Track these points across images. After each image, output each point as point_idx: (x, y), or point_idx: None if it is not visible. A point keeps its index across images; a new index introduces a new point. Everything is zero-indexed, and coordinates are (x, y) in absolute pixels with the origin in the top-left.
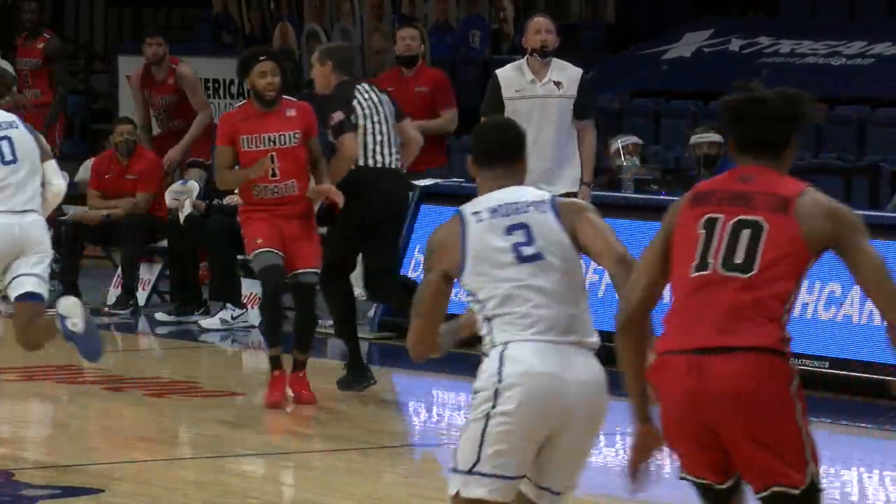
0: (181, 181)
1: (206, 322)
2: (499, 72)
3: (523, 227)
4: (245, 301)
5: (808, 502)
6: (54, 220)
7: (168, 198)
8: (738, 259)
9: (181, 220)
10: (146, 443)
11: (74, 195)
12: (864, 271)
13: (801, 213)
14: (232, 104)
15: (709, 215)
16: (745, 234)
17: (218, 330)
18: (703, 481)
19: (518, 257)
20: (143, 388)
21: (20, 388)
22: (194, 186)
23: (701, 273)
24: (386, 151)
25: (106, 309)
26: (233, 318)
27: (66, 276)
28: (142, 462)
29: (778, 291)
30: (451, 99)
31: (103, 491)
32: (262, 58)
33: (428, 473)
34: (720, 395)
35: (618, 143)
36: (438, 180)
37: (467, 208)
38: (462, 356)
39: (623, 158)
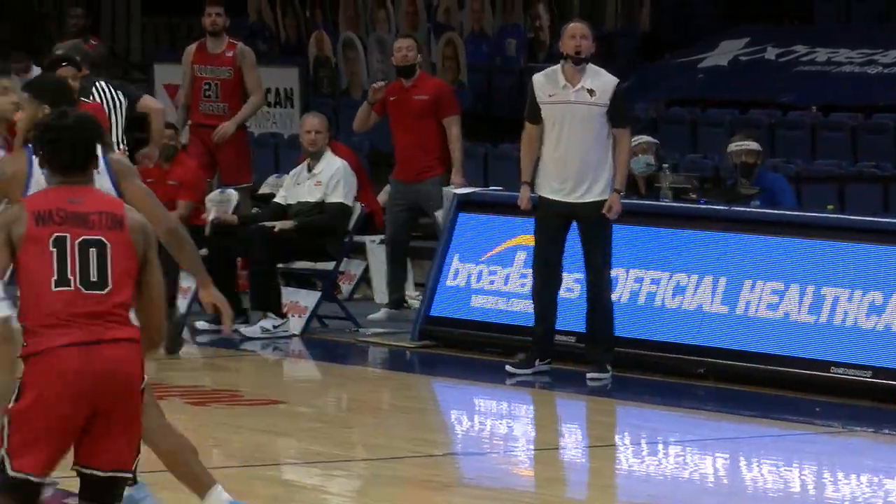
0: (220, 189)
1: (246, 330)
2: (535, 76)
3: None
4: (286, 310)
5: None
6: None
7: (207, 206)
8: (94, 277)
9: (206, 229)
10: None
11: None
12: (156, 282)
13: (132, 228)
14: (270, 112)
15: (57, 234)
16: (93, 252)
17: (259, 338)
18: (30, 477)
19: None
20: (184, 396)
21: None
22: (233, 195)
23: (63, 289)
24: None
25: None
26: (274, 328)
27: None
28: None
29: (125, 301)
30: (454, 107)
31: None
32: (63, 63)
33: (470, 482)
34: (117, 369)
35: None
36: (476, 189)
37: None
38: (499, 365)
39: (635, 158)
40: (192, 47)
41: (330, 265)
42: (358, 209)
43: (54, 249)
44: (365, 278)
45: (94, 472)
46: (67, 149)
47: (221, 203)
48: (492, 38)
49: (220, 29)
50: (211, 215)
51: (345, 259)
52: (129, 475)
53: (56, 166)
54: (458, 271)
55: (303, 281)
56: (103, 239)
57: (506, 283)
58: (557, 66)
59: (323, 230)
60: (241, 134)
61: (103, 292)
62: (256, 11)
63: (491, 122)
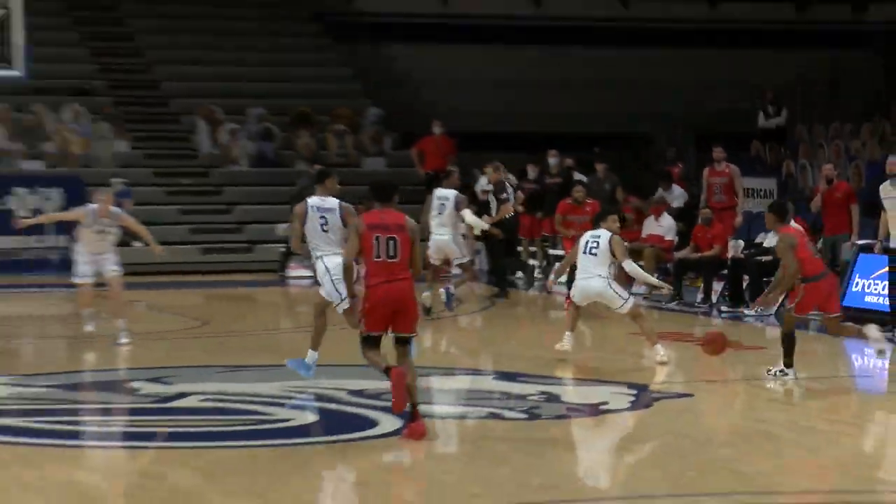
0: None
1: (747, 311)
2: None
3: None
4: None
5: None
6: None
7: (731, 246)
8: (391, 254)
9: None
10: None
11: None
12: (416, 252)
13: (410, 230)
14: (756, 201)
15: (376, 234)
16: (391, 242)
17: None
18: (379, 332)
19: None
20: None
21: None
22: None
23: (378, 260)
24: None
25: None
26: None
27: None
28: (721, 382)
29: (406, 264)
30: None
31: (693, 395)
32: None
33: None
34: (404, 293)
35: None
36: None
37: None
38: None
39: None
40: (707, 169)
41: None
42: None
43: (375, 242)
44: None
45: (400, 335)
46: (381, 191)
47: (736, 246)
48: None
49: (721, 158)
50: (729, 252)
51: None
52: (414, 334)
53: (376, 199)
54: None
55: None
56: (396, 237)
57: None
58: None
59: None
60: (734, 213)
61: (396, 260)
62: (755, 148)
63: None
